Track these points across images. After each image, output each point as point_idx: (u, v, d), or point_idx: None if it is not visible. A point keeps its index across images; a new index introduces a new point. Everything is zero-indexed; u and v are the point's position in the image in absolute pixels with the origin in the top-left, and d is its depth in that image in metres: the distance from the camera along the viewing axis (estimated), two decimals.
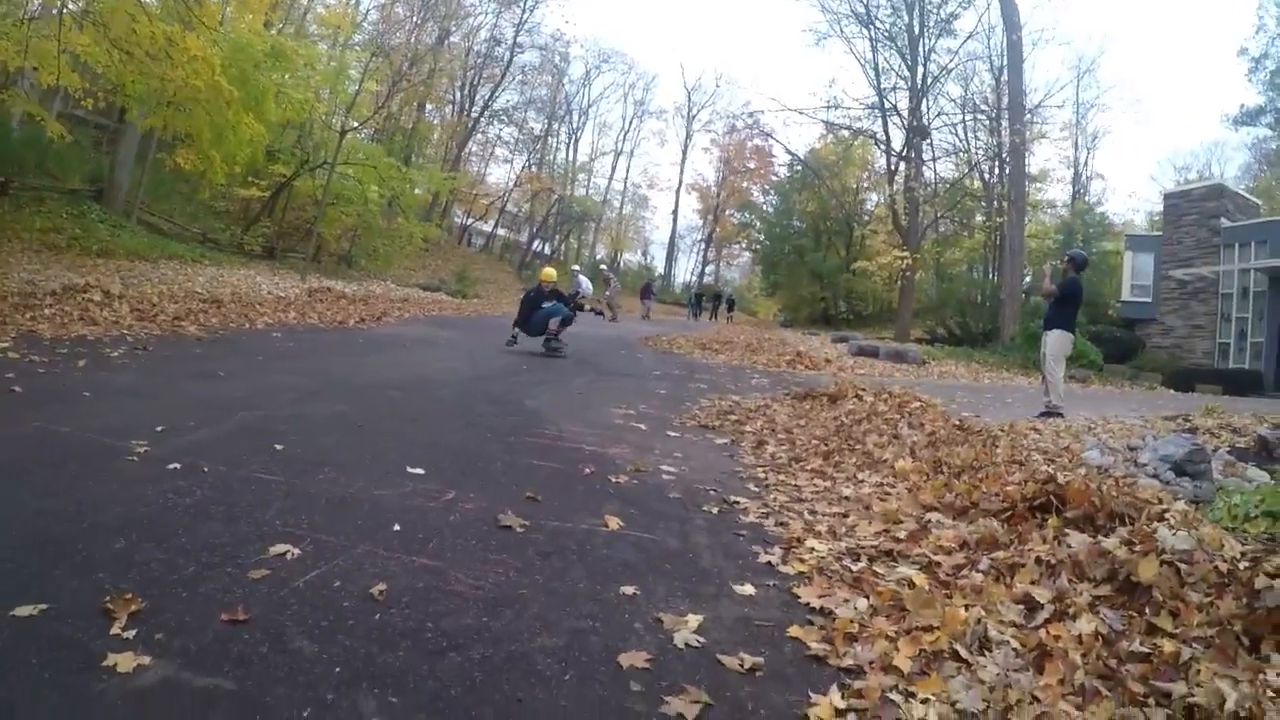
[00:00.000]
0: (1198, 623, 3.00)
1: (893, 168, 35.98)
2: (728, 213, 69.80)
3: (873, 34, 34.76)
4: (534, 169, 60.56)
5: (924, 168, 34.78)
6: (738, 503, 4.98)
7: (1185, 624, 3.01)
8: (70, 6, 13.96)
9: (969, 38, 33.67)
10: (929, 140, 35.12)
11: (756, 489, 5.42)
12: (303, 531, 3.64)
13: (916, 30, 33.49)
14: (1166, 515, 4.08)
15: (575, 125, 67.02)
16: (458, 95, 53.45)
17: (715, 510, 4.79)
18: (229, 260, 22.95)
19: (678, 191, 72.51)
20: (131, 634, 2.59)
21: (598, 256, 66.65)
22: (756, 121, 43.91)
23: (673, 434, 7.33)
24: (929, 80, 33.88)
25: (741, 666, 2.76)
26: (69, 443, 4.82)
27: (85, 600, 2.79)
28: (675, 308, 50.88)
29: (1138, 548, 3.53)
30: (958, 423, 7.90)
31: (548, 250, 60.92)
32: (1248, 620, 2.98)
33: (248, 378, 7.91)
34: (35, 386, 6.42)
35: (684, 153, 75.25)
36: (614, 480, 5.26)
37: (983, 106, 34.30)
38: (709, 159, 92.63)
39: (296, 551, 3.39)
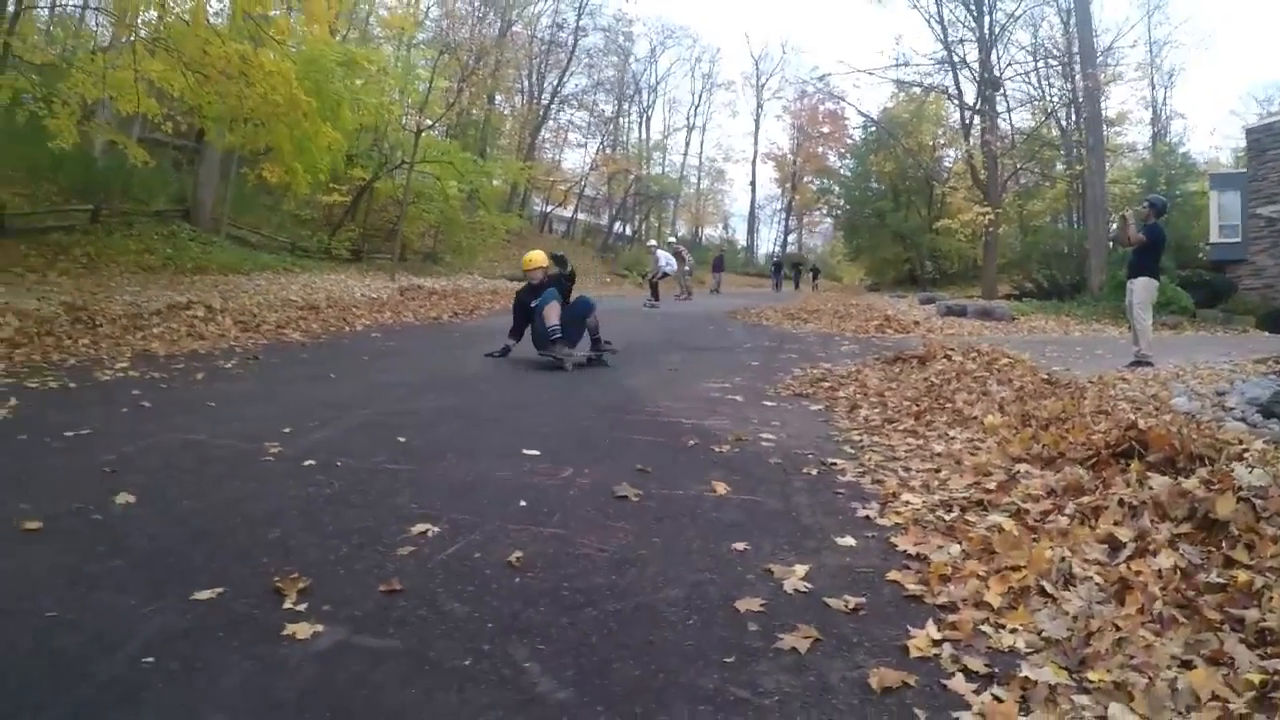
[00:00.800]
0: (1271, 554, 3.19)
1: (967, 122, 35.55)
2: (805, 180, 68.81)
3: None
4: (608, 151, 60.39)
5: (999, 120, 34.04)
6: (835, 464, 5.25)
7: (1260, 556, 3.20)
8: (141, 33, 14.38)
9: None
10: (1002, 91, 34.30)
11: (852, 450, 5.69)
12: (437, 512, 4.00)
13: None
14: (1245, 455, 4.27)
15: (646, 104, 66.88)
16: (526, 84, 53.57)
17: (814, 472, 5.07)
18: (318, 266, 23.57)
19: (753, 162, 72.00)
20: (303, 607, 2.94)
21: (678, 233, 66.48)
22: (826, 85, 43.62)
23: (768, 403, 7.60)
24: (997, 29, 33.05)
25: (846, 607, 3.05)
26: (206, 448, 5.20)
27: (254, 582, 3.15)
28: (760, 280, 50.44)
29: (1216, 486, 3.72)
30: (1046, 377, 8.04)
31: (629, 231, 60.95)
32: None
33: (357, 377, 8.30)
34: (162, 400, 6.81)
35: (756, 123, 74.45)
36: (716, 449, 5.57)
37: (1054, 52, 33.41)
38: (782, 127, 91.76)
39: (435, 530, 3.76)
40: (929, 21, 33.85)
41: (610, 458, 5.28)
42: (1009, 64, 34.69)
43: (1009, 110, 36.14)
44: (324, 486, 4.44)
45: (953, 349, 10.09)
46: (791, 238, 77.33)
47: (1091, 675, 2.52)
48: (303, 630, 2.78)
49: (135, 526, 3.73)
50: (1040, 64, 34.38)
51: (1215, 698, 2.38)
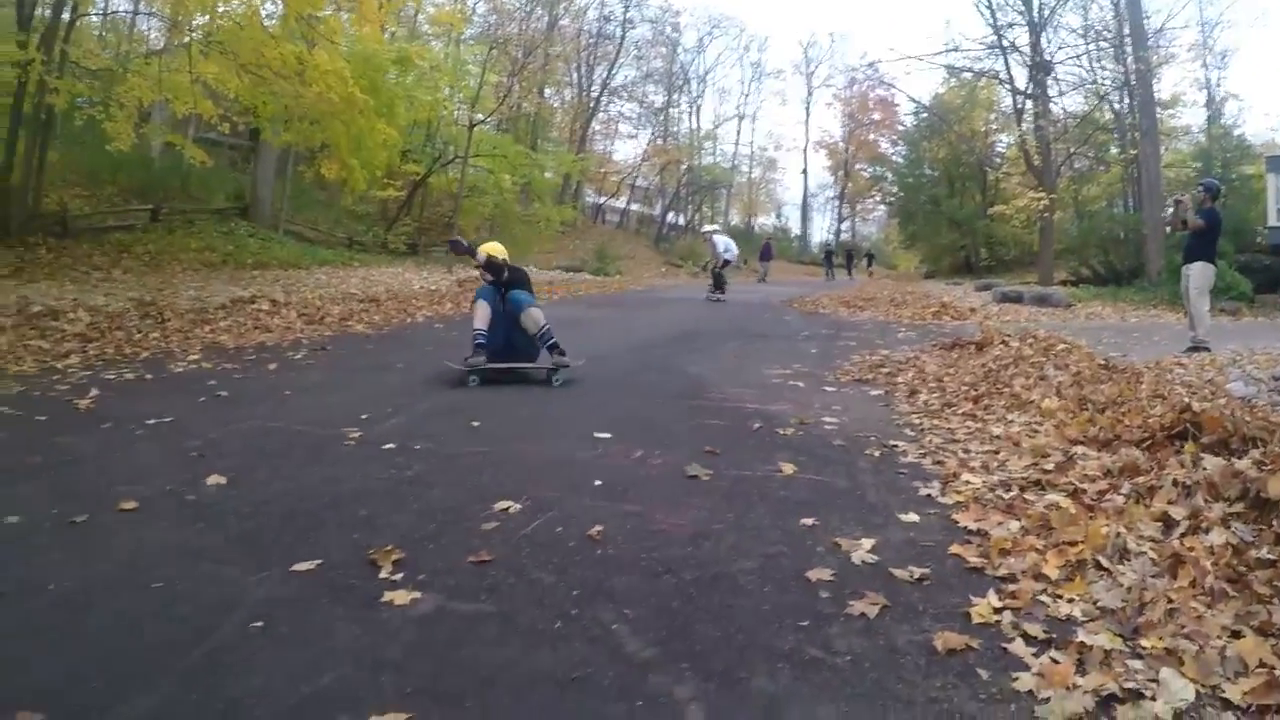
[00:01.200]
0: None
1: (1019, 107, 35.04)
2: (858, 167, 68.34)
3: None
4: (659, 141, 60.54)
5: (1051, 104, 33.32)
6: (896, 446, 5.42)
7: None
8: (195, 36, 14.66)
9: None
10: (1053, 75, 33.49)
11: (912, 433, 5.84)
12: (518, 491, 4.21)
13: None
14: None
15: (695, 94, 66.71)
16: (575, 76, 53.82)
17: (876, 454, 5.23)
18: (375, 260, 23.97)
19: (805, 150, 72.03)
20: (398, 577, 3.18)
21: (730, 222, 66.49)
22: (876, 72, 43.34)
23: (829, 389, 7.75)
24: (1046, 12, 32.39)
25: (911, 577, 3.23)
26: (287, 435, 5.48)
27: (350, 555, 3.40)
28: (814, 269, 50.27)
29: (1268, 467, 3.85)
30: (1102, 362, 8.10)
31: (681, 221, 60.90)
32: None
33: (423, 366, 8.53)
34: (238, 390, 7.10)
35: (807, 110, 74.24)
36: (781, 433, 5.75)
37: (1105, 34, 32.67)
38: (833, 114, 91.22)
39: (517, 507, 3.98)
40: (978, 6, 33.48)
41: (679, 440, 5.47)
42: (1060, 47, 33.99)
43: (1061, 94, 35.17)
44: (405, 469, 4.69)
45: (1009, 335, 10.16)
46: (845, 225, 76.92)
47: (1144, 642, 2.68)
48: (401, 597, 3.01)
49: (229, 506, 4.00)
50: (1091, 46, 33.23)
51: (1263, 664, 2.51)
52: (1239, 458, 4.08)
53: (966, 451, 5.23)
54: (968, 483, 4.47)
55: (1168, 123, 39.68)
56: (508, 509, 3.96)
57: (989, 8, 33.13)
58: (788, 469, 4.79)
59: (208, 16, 13.99)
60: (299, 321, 11.95)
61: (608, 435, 5.49)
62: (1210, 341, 10.28)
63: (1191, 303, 10.70)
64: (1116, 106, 32.77)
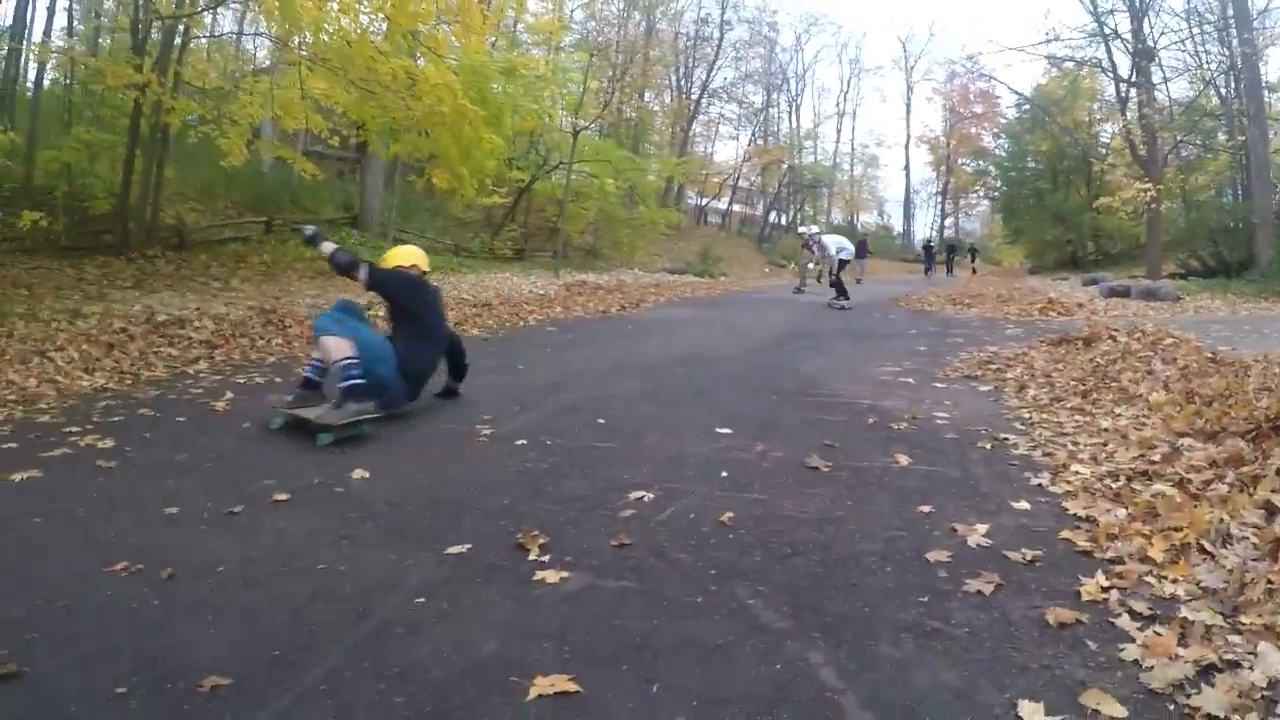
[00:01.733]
0: None
1: (1123, 95, 33.79)
2: (960, 162, 67.70)
3: None
4: (760, 142, 60.58)
5: (1155, 91, 32.27)
6: (1007, 439, 5.60)
7: None
8: (303, 54, 15.11)
9: None
10: (1157, 61, 32.64)
11: (1022, 427, 6.02)
12: (649, 482, 4.52)
13: None
14: None
15: (794, 93, 66.84)
16: (674, 79, 54.00)
17: (988, 446, 5.44)
18: (483, 266, 24.43)
19: (906, 146, 71.31)
20: (546, 559, 3.48)
21: (833, 220, 66.23)
22: (976, 64, 42.95)
23: (939, 385, 7.93)
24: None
25: (1024, 559, 3.45)
26: (423, 431, 5.86)
27: (498, 540, 3.72)
28: (916, 265, 49.44)
29: None
30: (1210, 355, 8.13)
31: (783, 221, 60.75)
32: None
33: (544, 367, 8.86)
34: None
35: (907, 106, 73.85)
36: (895, 427, 5.98)
37: (1209, 17, 31.57)
38: (933, 109, 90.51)
39: (650, 496, 4.28)
40: None
41: (797, 435, 5.73)
42: (1162, 32, 33.11)
43: (1165, 81, 34.22)
44: (539, 462, 5.01)
45: (1117, 330, 10.18)
46: (948, 221, 76.16)
47: (1244, 619, 2.86)
48: (551, 576, 3.31)
49: (376, 496, 4.35)
50: (1196, 30, 31.87)
51: None
52: None
53: (1075, 444, 5.39)
54: (1077, 473, 4.66)
55: (1278, 106, 38.64)
56: (641, 498, 4.26)
57: None
58: (903, 460, 5.02)
59: (310, 35, 14.42)
60: None
61: (729, 431, 5.77)
62: None
63: None
64: (1223, 91, 31.53)
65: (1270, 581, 3.11)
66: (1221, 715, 2.32)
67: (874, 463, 5.02)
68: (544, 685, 2.45)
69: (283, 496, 4.27)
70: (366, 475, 4.65)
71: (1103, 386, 7.16)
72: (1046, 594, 3.14)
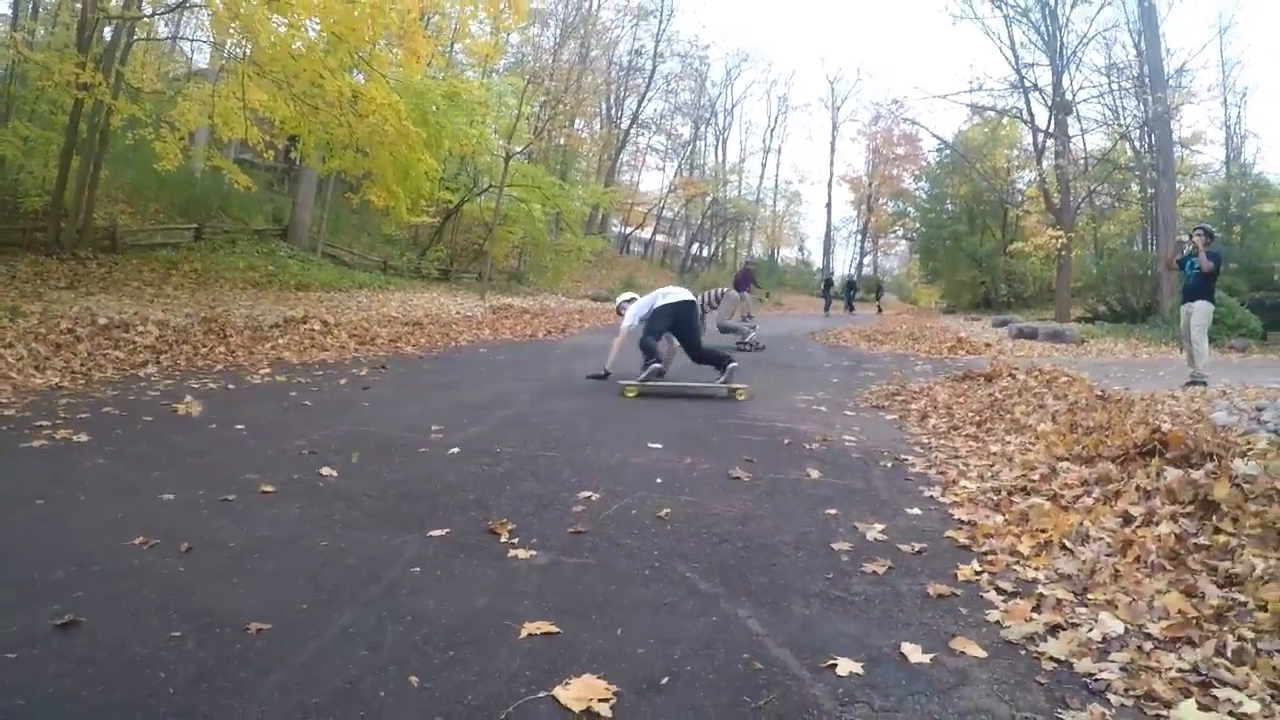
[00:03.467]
0: (1250, 524, 4.14)
1: (1039, 146, 35.00)
2: (881, 201, 68.68)
3: (1005, 11, 33.53)
4: (686, 173, 61.44)
5: (1072, 142, 33.44)
6: (906, 459, 6.33)
7: (1241, 526, 4.13)
8: (243, 63, 15.20)
9: (1104, 4, 31.73)
10: (1074, 114, 33.68)
11: (921, 450, 6.74)
12: (594, 485, 5.16)
13: (1050, 1, 32.04)
14: (1247, 452, 5.23)
15: (722, 127, 67.53)
16: (604, 108, 54.75)
17: (889, 465, 6.15)
18: (409, 284, 24.74)
19: (829, 184, 72.02)
20: (515, 541, 4.10)
21: (755, 254, 67.06)
22: (901, 108, 43.94)
23: (849, 413, 8.64)
24: (1068, 53, 32.45)
25: (912, 550, 4.14)
26: (380, 439, 6.40)
27: (472, 526, 4.32)
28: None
29: (1216, 476, 4.71)
30: (1099, 393, 8.86)
31: (705, 254, 61.66)
32: None
33: (482, 385, 9.44)
34: (320, 400, 8.07)
35: (832, 145, 75.08)
36: (807, 447, 6.67)
37: (1128, 71, 32.53)
38: (857, 149, 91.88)
39: (596, 496, 4.92)
40: (1000, 47, 33.89)
41: (721, 450, 6.40)
42: (1081, 86, 33.99)
43: (1083, 133, 34.91)
44: (494, 466, 5.62)
45: (1017, 368, 10.93)
46: (867, 260, 77.38)
47: (1090, 595, 3.55)
48: (523, 553, 3.92)
49: (354, 490, 4.91)
50: (1113, 85, 33.52)
51: (1180, 613, 3.35)
52: (1197, 469, 4.92)
53: (966, 465, 6.13)
54: (964, 487, 5.39)
55: (1189, 160, 39.90)
56: (589, 497, 4.89)
57: (1011, 48, 33.60)
58: (814, 474, 5.73)
59: (249, 44, 14.59)
60: (351, 342, 12.91)
61: (659, 446, 6.42)
62: (1209, 376, 10.83)
63: (1192, 340, 11.24)
64: (1137, 145, 32.64)
65: (1117, 571, 3.80)
66: (1062, 657, 2.98)
67: (788, 475, 5.70)
68: (531, 628, 3.06)
69: (269, 488, 4.82)
70: (336, 475, 5.20)
71: (997, 418, 7.89)
72: (929, 575, 3.81)
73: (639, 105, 54.40)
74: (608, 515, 4.58)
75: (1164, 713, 2.61)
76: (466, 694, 2.56)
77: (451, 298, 22.89)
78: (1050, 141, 33.25)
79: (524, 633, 3.03)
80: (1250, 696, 2.69)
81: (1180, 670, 2.88)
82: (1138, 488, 4.87)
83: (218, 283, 16.76)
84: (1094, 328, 24.87)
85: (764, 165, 71.47)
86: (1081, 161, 33.64)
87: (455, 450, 6.07)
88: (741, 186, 68.01)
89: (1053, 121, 33.03)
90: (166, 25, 23.42)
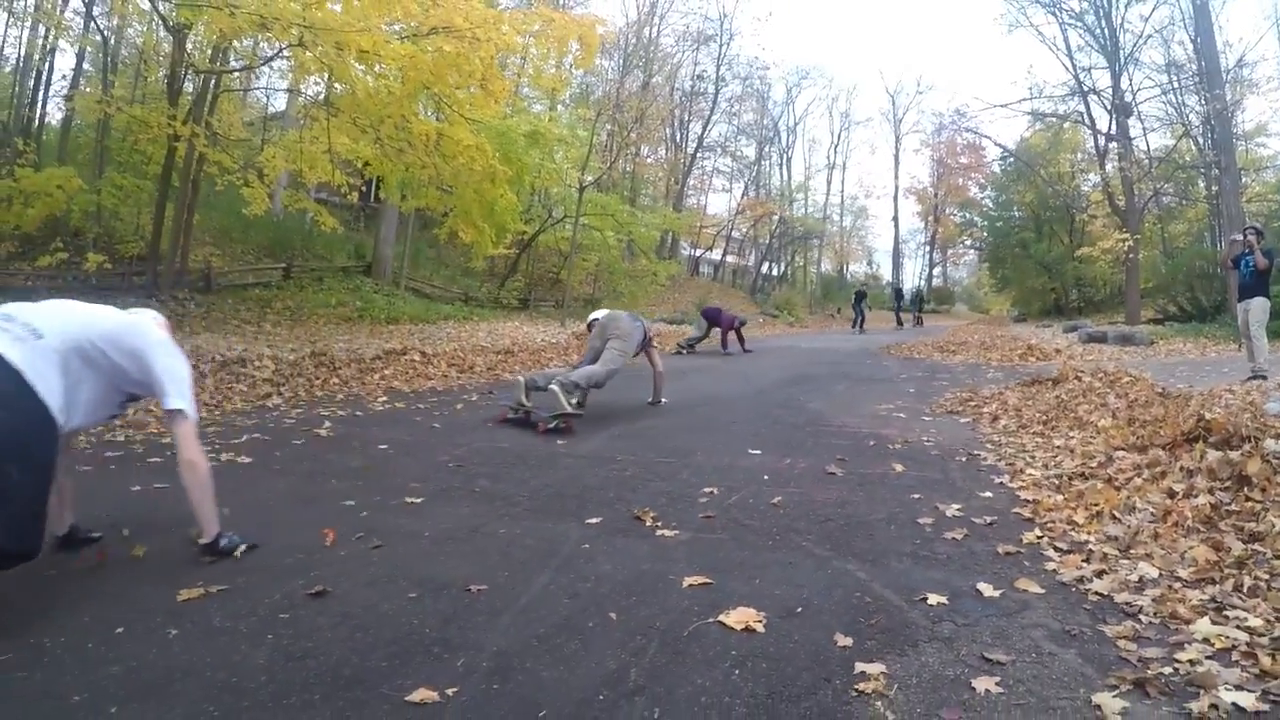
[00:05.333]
0: (1275, 494, 4.93)
1: (1102, 149, 35.26)
2: (947, 212, 69.15)
3: (1060, 18, 34.05)
4: (752, 194, 61.96)
5: (1134, 143, 33.62)
6: (979, 454, 7.16)
7: (1268, 495, 4.93)
8: (327, 109, 16.04)
9: (1160, 3, 31.84)
10: (1136, 114, 34.04)
11: (992, 447, 7.54)
12: (712, 483, 6.02)
13: (1105, 4, 32.33)
14: None
15: (785, 145, 68.15)
16: (669, 133, 55.25)
17: (964, 459, 6.99)
18: (491, 315, 25.41)
19: (895, 197, 72.43)
20: (659, 524, 4.96)
21: (822, 270, 67.36)
22: (963, 117, 43.87)
23: (926, 418, 9.45)
24: (1125, 53, 32.62)
25: (984, 522, 5.00)
26: (514, 452, 7.27)
27: (620, 515, 5.20)
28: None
29: (1250, 454, 5.47)
30: (1160, 390, 9.51)
31: (775, 272, 62.21)
32: None
33: (591, 406, 10.02)
34: (446, 422, 8.87)
35: (895, 158, 75.57)
36: (890, 447, 7.52)
37: (1189, 67, 31.96)
38: (921, 160, 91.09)
39: (716, 491, 5.79)
40: (1056, 53, 33.94)
41: (814, 453, 7.26)
42: (1140, 87, 34.25)
43: (1145, 133, 35.75)
44: (622, 471, 6.50)
45: (1083, 371, 11.61)
46: (936, 270, 77.29)
47: (1132, 551, 4.36)
48: (668, 533, 4.81)
49: (509, 492, 5.79)
50: (1174, 83, 33.30)
51: (1208, 562, 4.13)
52: (1236, 450, 5.67)
53: (1032, 457, 6.93)
54: (1030, 475, 6.20)
55: (1255, 152, 39.63)
56: (710, 492, 5.77)
57: (1068, 53, 34.20)
58: (898, 468, 6.60)
59: (338, 89, 15.43)
60: (452, 371, 13.65)
61: (759, 451, 7.28)
62: (1268, 370, 11.36)
63: (1251, 336, 11.79)
64: (1200, 142, 32.23)
65: (1156, 533, 4.59)
66: (1105, 592, 3.80)
67: (876, 470, 6.57)
68: (690, 580, 3.95)
69: (434, 493, 5.71)
70: (488, 483, 6.07)
71: (1062, 417, 8.63)
72: (998, 539, 4.66)
73: (704, 129, 55.09)
74: (729, 504, 5.45)
75: (1184, 628, 3.39)
76: (654, 622, 3.44)
77: (534, 326, 23.50)
78: (1112, 144, 33.46)
79: (685, 583, 3.91)
80: (1256, 616, 3.45)
81: (1201, 601, 3.65)
82: (1182, 468, 5.61)
83: (311, 319, 17.53)
84: (1163, 329, 25.00)
85: (829, 181, 71.80)
86: (1145, 162, 33.66)
87: (582, 460, 6.93)
88: (808, 204, 68.35)
89: (1113, 124, 33.32)
90: (256, 76, 24.56)
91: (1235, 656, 3.09)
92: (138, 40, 22.76)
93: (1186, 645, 3.18)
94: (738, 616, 3.45)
